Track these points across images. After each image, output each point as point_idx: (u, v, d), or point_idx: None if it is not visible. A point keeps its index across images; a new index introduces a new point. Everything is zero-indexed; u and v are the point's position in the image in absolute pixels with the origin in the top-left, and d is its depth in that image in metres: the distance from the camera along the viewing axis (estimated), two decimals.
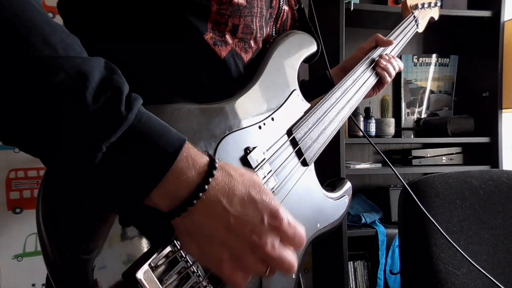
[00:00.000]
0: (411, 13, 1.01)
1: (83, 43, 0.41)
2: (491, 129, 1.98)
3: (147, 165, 0.39)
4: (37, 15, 0.37)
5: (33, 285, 1.73)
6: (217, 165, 0.42)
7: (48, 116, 0.35)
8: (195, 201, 0.41)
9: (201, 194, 0.41)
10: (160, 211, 0.41)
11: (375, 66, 0.86)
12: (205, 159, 0.43)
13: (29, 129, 0.36)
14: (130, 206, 0.40)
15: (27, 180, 1.73)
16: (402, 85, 2.22)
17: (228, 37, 0.59)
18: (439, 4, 1.12)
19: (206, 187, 0.41)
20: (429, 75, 2.24)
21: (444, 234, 0.80)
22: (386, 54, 0.89)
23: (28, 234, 1.73)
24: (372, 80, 0.85)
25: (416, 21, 1.02)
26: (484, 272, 0.82)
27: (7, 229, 1.72)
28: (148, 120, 0.40)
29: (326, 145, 0.70)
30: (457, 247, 0.79)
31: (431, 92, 2.25)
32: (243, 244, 0.42)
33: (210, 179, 0.41)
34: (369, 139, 0.91)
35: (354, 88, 0.79)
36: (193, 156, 0.42)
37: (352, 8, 1.80)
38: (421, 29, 1.06)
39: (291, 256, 0.45)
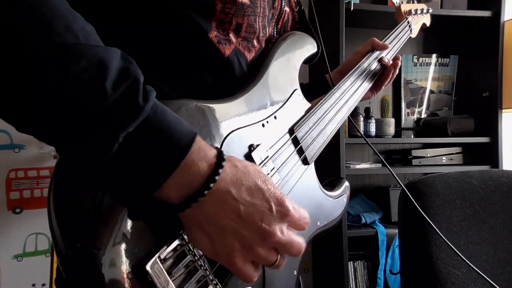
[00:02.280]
0: (405, 19, 1.04)
1: None
2: (491, 129, 1.98)
3: (161, 156, 0.39)
4: (59, 2, 0.37)
5: (33, 285, 1.74)
6: (225, 157, 0.43)
7: (68, 103, 0.35)
8: (206, 192, 0.41)
9: (211, 185, 0.41)
10: (169, 203, 0.41)
11: (381, 64, 0.89)
12: (213, 151, 0.43)
13: (47, 116, 0.36)
14: (142, 198, 0.41)
15: (27, 180, 1.73)
16: (402, 85, 2.22)
17: (232, 36, 0.59)
18: (431, 11, 1.16)
19: (217, 178, 0.42)
20: (429, 75, 2.24)
21: (442, 235, 0.80)
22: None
23: (28, 234, 1.73)
24: (369, 83, 0.88)
25: (410, 26, 1.05)
26: (481, 273, 0.82)
27: (7, 229, 1.72)
28: (162, 112, 0.41)
29: (326, 144, 0.71)
30: (453, 248, 0.79)
31: (431, 92, 2.25)
32: (254, 232, 0.43)
33: (220, 170, 0.42)
34: (367, 140, 0.93)
35: (352, 90, 0.80)
36: (204, 148, 0.42)
37: (352, 8, 1.80)
38: (414, 34, 1.09)
39: (299, 238, 0.46)
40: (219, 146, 0.52)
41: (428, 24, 1.17)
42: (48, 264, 1.70)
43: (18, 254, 1.72)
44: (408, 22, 1.05)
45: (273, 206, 0.44)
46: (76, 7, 0.58)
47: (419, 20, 1.11)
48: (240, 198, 0.43)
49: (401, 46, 1.00)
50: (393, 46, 0.97)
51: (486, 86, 2.04)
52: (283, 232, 0.44)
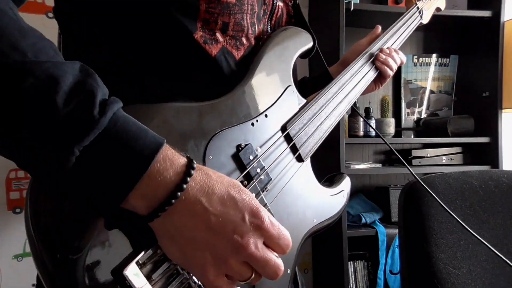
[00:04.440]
0: (415, 4, 1.00)
1: (77, 46, 0.41)
2: (491, 129, 1.98)
3: (123, 168, 0.39)
4: (7, 20, 0.37)
5: (33, 285, 1.73)
6: (195, 165, 0.42)
7: (19, 120, 0.36)
8: (173, 201, 0.40)
9: (179, 193, 0.40)
10: (138, 214, 0.41)
11: (375, 60, 0.84)
12: (183, 159, 0.42)
13: (1, 133, 0.36)
14: (109, 210, 0.40)
15: (27, 180, 1.73)
16: (402, 85, 2.22)
17: (218, 35, 0.59)
18: None
19: (185, 186, 0.41)
20: (429, 75, 2.24)
21: (459, 220, 0.78)
22: (387, 48, 0.87)
23: None
24: (372, 74, 0.84)
25: (420, 12, 1.01)
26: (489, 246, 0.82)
27: (7, 229, 1.72)
28: (124, 124, 0.40)
29: (322, 140, 0.69)
30: (466, 226, 0.79)
31: (431, 92, 2.25)
32: (226, 244, 0.42)
33: (189, 179, 0.41)
34: (383, 138, 0.89)
35: (352, 83, 0.77)
36: (171, 157, 0.41)
37: (352, 8, 1.80)
38: (425, 20, 1.04)
39: (276, 258, 0.44)
40: (204, 147, 0.51)
41: (442, 8, 1.12)
42: None
43: (18, 254, 1.72)
44: (418, 8, 1.00)
45: (247, 217, 0.43)
46: (64, 10, 0.58)
47: (431, 5, 1.07)
48: (211, 207, 0.42)
49: (410, 33, 0.97)
50: (401, 34, 0.93)
51: (486, 86, 2.04)
52: (258, 247, 0.43)
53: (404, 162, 0.84)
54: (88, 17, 0.56)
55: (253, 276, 0.44)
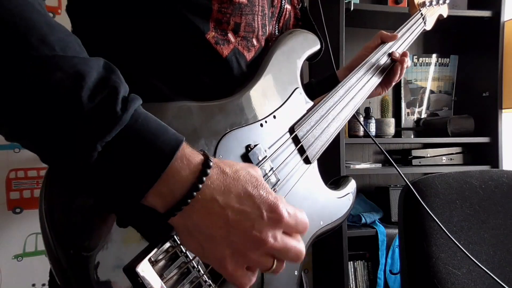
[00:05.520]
0: (419, 11, 1.00)
1: (89, 44, 0.41)
2: (491, 129, 1.98)
3: (143, 166, 0.39)
4: (36, 15, 0.37)
5: (33, 285, 1.73)
6: (211, 163, 0.42)
7: (44, 114, 0.36)
8: (189, 201, 0.40)
9: (195, 193, 0.41)
10: (156, 211, 0.41)
11: (390, 58, 0.86)
12: (199, 158, 0.42)
13: (26, 126, 0.36)
14: (127, 206, 0.41)
15: (27, 180, 1.73)
16: (402, 85, 2.22)
17: (230, 35, 0.59)
18: (448, 1, 1.11)
19: (200, 186, 0.41)
20: (429, 75, 2.24)
21: (446, 231, 0.80)
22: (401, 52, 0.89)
23: (28, 234, 1.73)
24: (377, 79, 0.85)
25: (423, 18, 1.01)
26: (486, 269, 0.82)
27: (7, 229, 1.71)
28: (145, 121, 0.40)
29: (329, 142, 0.70)
30: (458, 244, 0.79)
31: (431, 92, 2.25)
32: (245, 240, 0.42)
33: (204, 178, 0.41)
34: (374, 139, 0.90)
35: (358, 86, 0.78)
36: (188, 155, 0.41)
37: (352, 8, 1.80)
38: (429, 27, 1.05)
39: (296, 243, 0.45)
40: (214, 147, 0.52)
41: (445, 15, 1.13)
42: (48, 264, 1.70)
43: (18, 254, 1.72)
44: (422, 14, 1.01)
45: (264, 213, 0.43)
46: (76, 8, 0.58)
47: (434, 12, 1.07)
48: (228, 205, 0.42)
49: (414, 39, 0.98)
50: (405, 40, 0.94)
51: (486, 86, 2.04)
52: (277, 238, 0.43)
53: (393, 162, 0.85)
54: (96, 18, 0.56)
55: (274, 265, 0.44)
